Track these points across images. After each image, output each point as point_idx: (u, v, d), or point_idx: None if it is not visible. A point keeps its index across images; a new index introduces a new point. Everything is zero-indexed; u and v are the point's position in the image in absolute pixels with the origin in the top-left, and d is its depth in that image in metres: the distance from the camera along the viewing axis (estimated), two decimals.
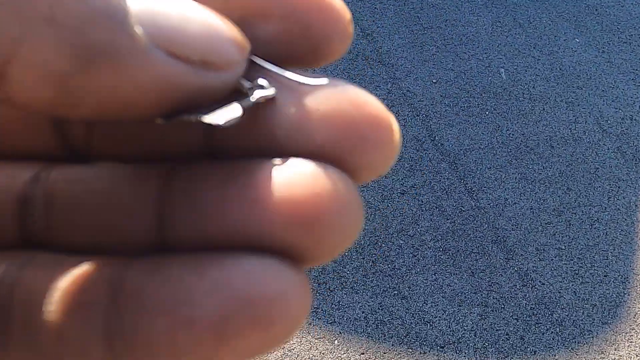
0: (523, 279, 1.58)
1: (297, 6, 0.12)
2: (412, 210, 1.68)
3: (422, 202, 1.71)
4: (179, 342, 0.10)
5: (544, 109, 2.06)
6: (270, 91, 0.12)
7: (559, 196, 1.80)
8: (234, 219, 0.11)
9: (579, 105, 2.10)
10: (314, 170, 0.11)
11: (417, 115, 1.96)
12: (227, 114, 0.11)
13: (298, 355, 1.34)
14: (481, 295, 1.52)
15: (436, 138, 1.90)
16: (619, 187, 1.84)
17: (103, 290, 0.11)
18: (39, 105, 0.10)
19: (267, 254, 0.11)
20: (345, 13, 0.13)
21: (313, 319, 1.40)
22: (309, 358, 1.34)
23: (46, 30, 0.09)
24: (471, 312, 1.48)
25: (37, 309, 0.11)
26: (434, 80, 2.10)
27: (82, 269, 0.11)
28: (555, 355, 1.44)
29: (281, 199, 0.11)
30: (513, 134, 1.96)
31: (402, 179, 1.75)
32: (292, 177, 0.11)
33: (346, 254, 1.54)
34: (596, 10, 2.48)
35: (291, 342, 1.36)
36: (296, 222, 0.11)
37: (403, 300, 1.48)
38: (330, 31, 0.13)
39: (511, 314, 1.50)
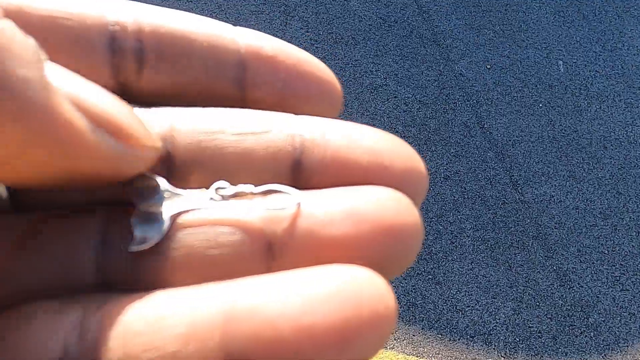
0: (561, 279, 1.55)
1: (294, 76, 0.15)
2: (454, 197, 1.65)
3: (465, 189, 1.68)
4: (303, 348, 0.11)
5: (600, 107, 1.99)
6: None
7: (607, 199, 1.74)
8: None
9: (638, 107, 2.01)
10: (397, 195, 0.13)
11: (468, 100, 1.91)
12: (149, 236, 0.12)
13: None
14: (517, 290, 1.50)
15: (485, 125, 1.85)
16: None
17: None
18: None
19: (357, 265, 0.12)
20: (332, 79, 0.16)
21: None
22: None
23: None
24: (505, 306, 1.46)
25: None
26: (488, 66, 2.04)
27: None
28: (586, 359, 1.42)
29: (374, 215, 0.12)
30: (565, 130, 1.90)
31: (446, 164, 1.72)
32: (381, 199, 0.13)
33: None
34: None
35: None
36: (387, 235, 0.12)
37: (437, 286, 1.47)
38: (320, 95, 0.15)
39: (546, 312, 1.47)
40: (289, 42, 0.15)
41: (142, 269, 0.13)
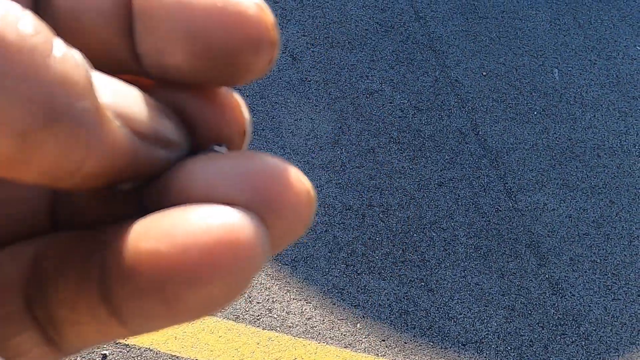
0: (553, 288, 1.55)
1: (199, 25, 0.12)
2: (448, 204, 1.65)
3: (459, 196, 1.68)
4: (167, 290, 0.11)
5: (594, 115, 1.99)
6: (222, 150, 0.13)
7: (600, 207, 1.75)
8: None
9: (632, 116, 2.02)
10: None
11: (463, 107, 1.91)
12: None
13: (319, 334, 1.34)
14: (509, 298, 1.50)
15: (480, 132, 1.85)
16: None
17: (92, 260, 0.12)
18: None
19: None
20: (262, 20, 0.12)
21: (338, 300, 1.40)
22: (330, 337, 1.34)
23: (16, 87, 0.09)
24: (497, 314, 1.46)
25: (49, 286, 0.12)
26: (484, 73, 2.05)
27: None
28: None
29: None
30: (560, 138, 1.90)
31: (440, 170, 1.72)
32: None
33: (377, 239, 1.53)
34: None
35: (313, 319, 1.36)
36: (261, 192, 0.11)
37: (429, 293, 1.46)
38: (245, 45, 0.12)
39: (537, 321, 1.47)
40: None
41: None
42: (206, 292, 0.11)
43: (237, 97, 0.14)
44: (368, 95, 1.85)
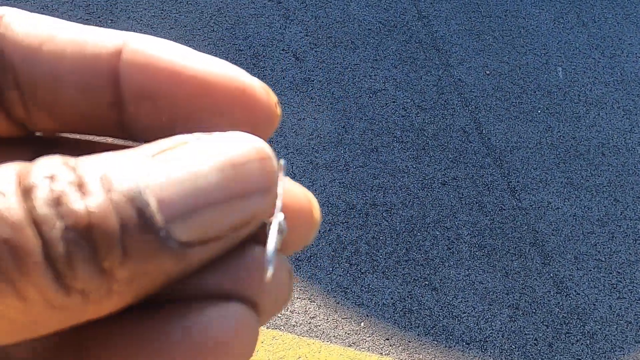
0: (558, 286, 1.54)
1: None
2: (452, 203, 1.65)
3: (463, 195, 1.67)
4: None
5: (599, 114, 1.99)
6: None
7: (604, 206, 1.74)
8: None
9: (636, 114, 2.02)
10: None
11: (466, 106, 1.91)
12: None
13: (323, 333, 1.34)
14: (513, 297, 1.49)
15: (483, 131, 1.85)
16: None
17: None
18: None
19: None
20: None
21: (342, 299, 1.40)
22: (334, 336, 1.34)
23: None
24: (501, 313, 1.46)
25: None
26: (488, 72, 2.04)
27: None
28: None
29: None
30: (564, 137, 1.89)
31: (444, 169, 1.72)
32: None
33: (380, 238, 1.53)
34: None
35: (317, 318, 1.36)
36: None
37: (433, 292, 1.46)
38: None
39: (542, 319, 1.47)
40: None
41: None
42: None
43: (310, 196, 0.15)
44: (371, 95, 1.85)
